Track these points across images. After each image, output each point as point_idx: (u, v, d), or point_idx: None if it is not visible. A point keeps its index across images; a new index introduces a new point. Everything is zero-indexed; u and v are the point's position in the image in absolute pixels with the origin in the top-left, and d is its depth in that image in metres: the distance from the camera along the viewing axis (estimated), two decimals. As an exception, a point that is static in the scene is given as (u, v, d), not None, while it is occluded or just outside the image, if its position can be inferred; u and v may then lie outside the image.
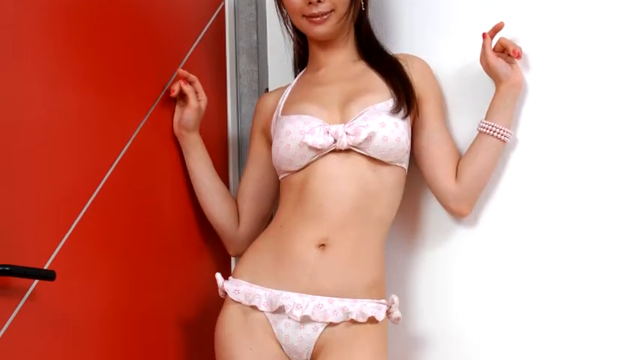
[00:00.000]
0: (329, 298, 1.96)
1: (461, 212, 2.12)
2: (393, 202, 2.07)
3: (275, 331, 1.99)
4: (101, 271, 1.93)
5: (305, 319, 1.96)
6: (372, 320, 1.97)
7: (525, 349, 2.10)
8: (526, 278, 2.10)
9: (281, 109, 2.15)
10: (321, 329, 1.97)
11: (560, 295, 2.06)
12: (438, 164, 2.11)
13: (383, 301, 2.01)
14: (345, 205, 2.00)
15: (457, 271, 2.19)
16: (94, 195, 1.91)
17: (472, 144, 2.10)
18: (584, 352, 2.03)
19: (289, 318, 1.97)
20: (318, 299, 1.96)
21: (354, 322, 1.96)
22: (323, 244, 1.99)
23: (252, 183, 2.23)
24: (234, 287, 2.03)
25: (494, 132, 2.04)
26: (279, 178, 2.12)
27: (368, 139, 2.00)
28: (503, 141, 2.05)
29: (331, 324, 1.96)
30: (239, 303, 2.01)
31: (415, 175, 2.17)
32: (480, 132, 2.07)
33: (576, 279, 2.05)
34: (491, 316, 2.14)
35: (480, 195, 2.12)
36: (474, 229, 2.17)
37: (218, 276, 2.06)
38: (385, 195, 2.05)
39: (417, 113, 2.12)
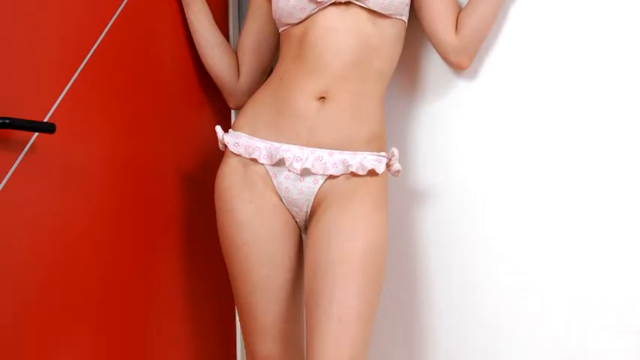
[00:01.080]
0: (329, 150, 1.97)
1: (460, 65, 2.11)
2: (392, 55, 2.05)
3: (275, 184, 2.00)
4: (101, 123, 1.92)
5: (305, 172, 1.97)
6: (372, 173, 1.97)
7: (524, 199, 2.12)
8: (525, 129, 2.11)
9: None
10: (321, 182, 1.98)
11: (560, 143, 2.07)
12: (438, 17, 2.08)
13: (383, 153, 2.01)
14: (345, 57, 1.98)
15: (457, 123, 2.19)
16: (94, 47, 1.88)
17: None
18: (580, 199, 2.06)
19: (289, 170, 1.98)
20: (318, 152, 1.96)
21: (354, 174, 1.97)
22: (323, 97, 1.97)
23: (252, 35, 2.20)
24: (234, 140, 2.03)
25: None
26: (279, 31, 2.09)
27: None
28: None
29: (331, 177, 1.97)
30: (239, 156, 2.02)
31: (415, 27, 2.15)
32: None
33: (575, 126, 2.06)
34: (491, 167, 2.15)
35: (480, 47, 2.10)
36: (474, 82, 2.16)
37: (218, 129, 2.06)
38: (385, 48, 2.02)
39: None
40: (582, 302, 2.05)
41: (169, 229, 2.14)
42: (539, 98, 2.09)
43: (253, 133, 2.02)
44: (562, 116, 2.07)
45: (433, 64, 2.20)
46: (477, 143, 2.17)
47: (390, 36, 2.02)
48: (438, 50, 2.13)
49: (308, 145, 1.97)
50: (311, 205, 2.00)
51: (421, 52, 2.21)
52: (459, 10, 2.10)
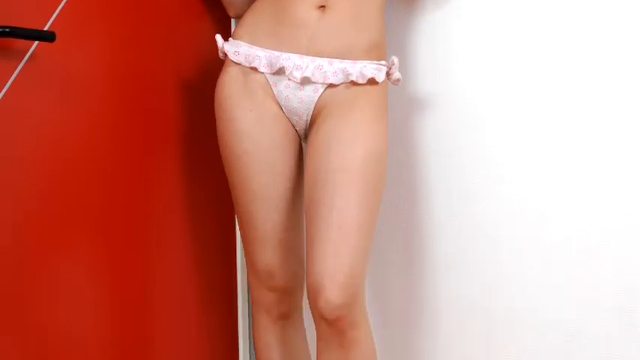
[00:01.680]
0: (329, 59, 1.96)
1: None
2: None
3: (275, 93, 2.00)
4: (101, 32, 1.92)
5: (305, 81, 1.97)
6: (371, 82, 1.97)
7: (525, 108, 2.12)
8: (526, 38, 2.10)
9: None
10: (321, 90, 1.98)
11: (562, 50, 2.07)
12: None
13: (383, 62, 2.00)
14: None
15: (457, 32, 2.18)
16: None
17: None
18: (581, 107, 2.06)
19: (289, 79, 1.97)
20: (318, 61, 1.96)
21: (354, 83, 1.96)
22: (322, 6, 1.96)
23: None
24: (234, 49, 2.02)
25: None
26: None
27: None
28: None
29: (331, 85, 1.97)
30: (239, 64, 2.01)
31: None
32: None
33: (579, 36, 2.05)
34: (491, 76, 2.15)
35: None
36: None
37: (218, 37, 2.05)
38: None
39: None
40: (582, 211, 2.07)
41: (169, 139, 2.15)
42: (540, 6, 2.07)
43: (253, 42, 2.01)
44: (565, 24, 2.06)
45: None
46: (477, 53, 2.16)
47: None
48: None
49: (308, 53, 1.96)
50: (311, 113, 2.00)
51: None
52: None
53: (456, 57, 2.19)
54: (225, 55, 2.04)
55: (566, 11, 2.06)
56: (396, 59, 2.00)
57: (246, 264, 2.10)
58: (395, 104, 2.20)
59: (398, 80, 2.03)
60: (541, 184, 2.10)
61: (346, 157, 1.90)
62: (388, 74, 2.01)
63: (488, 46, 2.15)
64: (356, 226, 1.87)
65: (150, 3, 2.07)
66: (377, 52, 2.01)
